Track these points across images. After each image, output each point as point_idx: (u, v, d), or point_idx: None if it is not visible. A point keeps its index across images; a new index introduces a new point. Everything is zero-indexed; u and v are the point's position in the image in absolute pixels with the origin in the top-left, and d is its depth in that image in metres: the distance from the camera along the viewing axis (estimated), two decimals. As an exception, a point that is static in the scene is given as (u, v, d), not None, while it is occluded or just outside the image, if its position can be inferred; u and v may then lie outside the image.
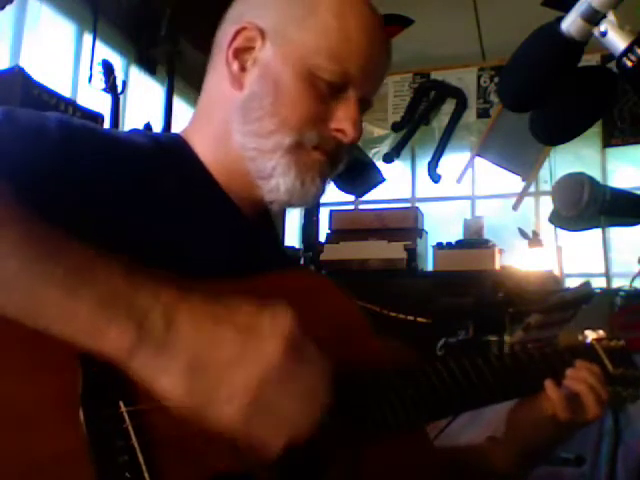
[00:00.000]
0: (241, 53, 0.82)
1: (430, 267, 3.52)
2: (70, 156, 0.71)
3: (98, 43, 3.31)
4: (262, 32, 0.81)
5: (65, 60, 3.25)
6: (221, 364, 0.56)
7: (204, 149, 0.85)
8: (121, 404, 0.59)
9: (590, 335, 0.98)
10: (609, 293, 2.04)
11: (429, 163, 4.20)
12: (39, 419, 0.56)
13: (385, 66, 0.86)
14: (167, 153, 0.83)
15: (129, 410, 0.59)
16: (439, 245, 3.41)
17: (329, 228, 3.53)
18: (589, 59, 2.56)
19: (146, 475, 0.57)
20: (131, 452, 0.58)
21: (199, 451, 0.60)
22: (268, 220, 0.93)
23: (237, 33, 0.82)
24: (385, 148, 4.34)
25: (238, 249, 0.84)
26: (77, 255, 0.57)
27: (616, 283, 2.98)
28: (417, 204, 4.13)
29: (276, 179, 0.81)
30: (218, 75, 0.85)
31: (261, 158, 0.81)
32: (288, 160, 0.80)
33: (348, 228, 3.47)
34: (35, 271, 0.55)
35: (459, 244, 3.42)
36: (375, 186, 3.97)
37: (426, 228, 3.57)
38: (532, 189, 4.02)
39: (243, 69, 0.82)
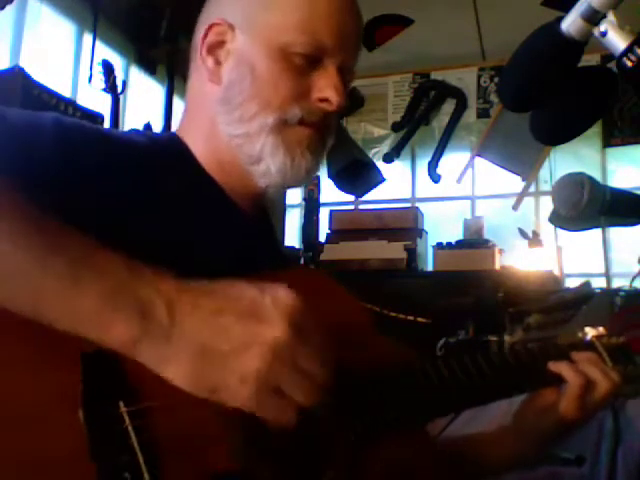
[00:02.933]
0: (214, 48, 0.83)
1: (430, 267, 3.51)
2: (67, 157, 0.70)
3: (98, 43, 3.31)
4: (231, 25, 0.83)
5: (65, 60, 3.25)
6: (227, 351, 0.57)
7: (197, 147, 0.86)
8: (121, 404, 0.59)
9: (590, 332, 0.98)
10: (609, 293, 2.04)
11: (429, 163, 4.21)
12: (39, 418, 0.56)
13: (358, 29, 0.85)
14: (165, 152, 0.84)
15: (129, 410, 0.59)
16: (439, 245, 3.40)
17: (329, 228, 3.52)
18: (589, 59, 2.56)
19: (146, 475, 0.57)
20: (131, 452, 0.57)
21: (199, 451, 0.60)
22: (265, 213, 0.94)
23: (208, 30, 0.83)
24: (385, 148, 4.34)
25: (237, 243, 0.84)
26: (78, 246, 0.57)
27: (616, 283, 2.98)
28: (417, 204, 4.13)
29: (266, 161, 0.81)
30: (198, 75, 0.87)
31: (248, 143, 0.82)
32: (274, 139, 0.81)
33: (348, 228, 3.47)
34: (37, 264, 0.55)
35: (459, 244, 3.42)
36: (375, 186, 3.97)
37: (426, 228, 3.56)
38: (532, 189, 4.02)
39: (218, 63, 0.83)
